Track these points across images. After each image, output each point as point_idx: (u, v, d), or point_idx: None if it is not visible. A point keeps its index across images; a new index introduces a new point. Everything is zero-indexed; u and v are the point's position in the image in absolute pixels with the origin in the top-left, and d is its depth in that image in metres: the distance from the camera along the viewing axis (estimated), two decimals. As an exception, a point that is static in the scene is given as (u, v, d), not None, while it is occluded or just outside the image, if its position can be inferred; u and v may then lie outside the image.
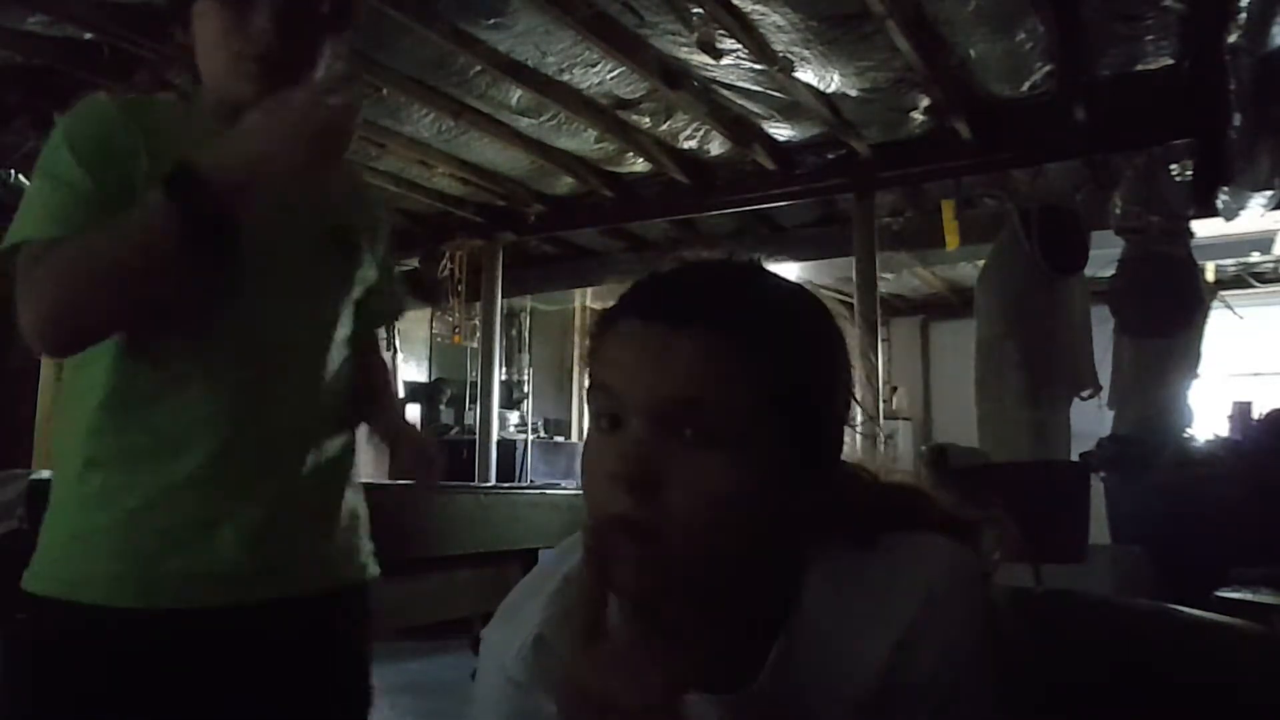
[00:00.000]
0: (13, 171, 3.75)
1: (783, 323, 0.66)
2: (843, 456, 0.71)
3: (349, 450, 1.19)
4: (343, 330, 1.16)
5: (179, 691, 1.01)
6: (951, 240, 4.44)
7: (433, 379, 6.91)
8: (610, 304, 0.69)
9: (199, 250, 0.93)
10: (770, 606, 0.67)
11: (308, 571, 1.11)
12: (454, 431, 6.31)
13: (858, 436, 0.72)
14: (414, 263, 5.62)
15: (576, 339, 7.24)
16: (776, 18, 3.10)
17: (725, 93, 3.73)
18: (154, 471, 1.03)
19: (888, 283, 6.43)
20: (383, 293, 1.26)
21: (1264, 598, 2.11)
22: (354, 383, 1.21)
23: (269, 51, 1.04)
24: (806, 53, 3.32)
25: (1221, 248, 5.06)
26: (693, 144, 4.25)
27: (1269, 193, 3.45)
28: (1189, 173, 4.02)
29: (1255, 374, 6.15)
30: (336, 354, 1.15)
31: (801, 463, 0.65)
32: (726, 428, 0.61)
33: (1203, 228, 3.94)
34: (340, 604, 1.15)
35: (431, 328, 6.69)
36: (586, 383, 0.69)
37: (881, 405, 6.63)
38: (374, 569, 1.21)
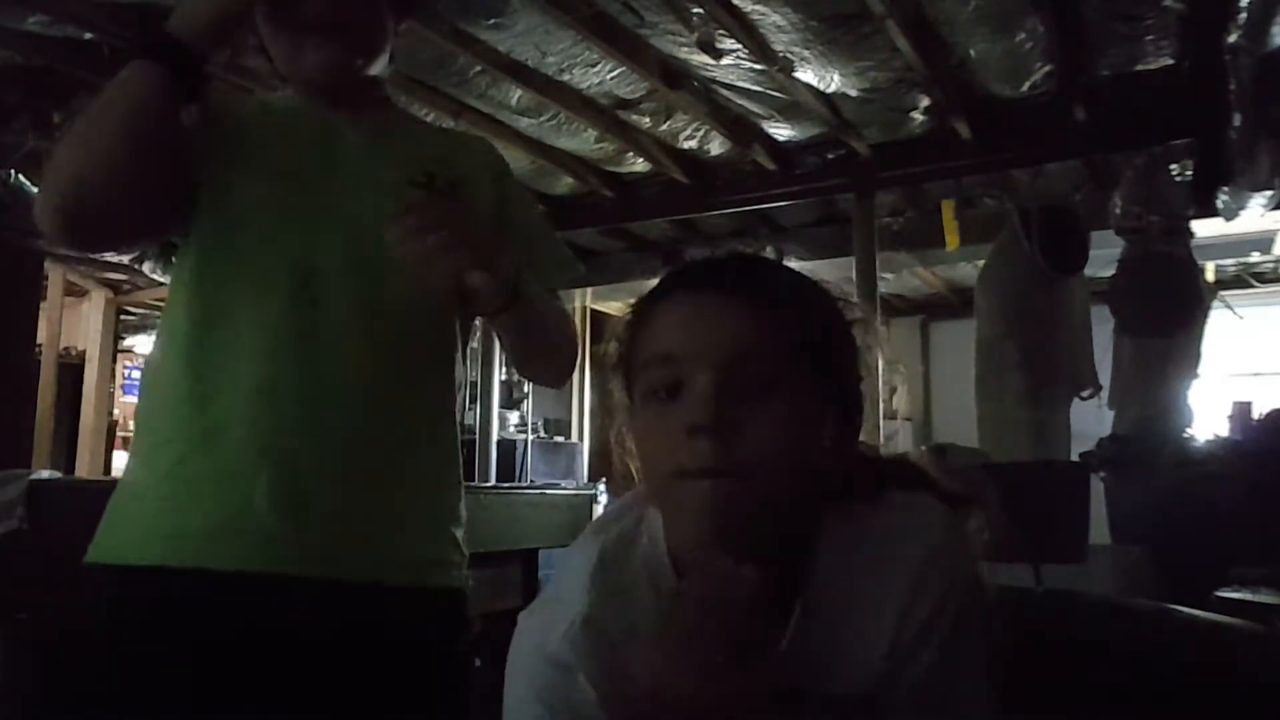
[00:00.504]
0: (13, 171, 3.75)
1: (806, 293, 0.76)
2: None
3: (440, 440, 1.10)
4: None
5: (201, 660, 0.94)
6: (951, 240, 4.43)
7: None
8: (640, 296, 0.77)
9: (174, 96, 0.96)
10: (793, 562, 0.72)
11: (366, 555, 1.01)
12: (454, 431, 6.30)
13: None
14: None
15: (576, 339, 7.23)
16: (776, 18, 3.09)
17: (725, 93, 3.72)
18: (194, 419, 0.98)
19: (888, 283, 6.43)
20: (525, 257, 1.13)
21: (1264, 598, 2.11)
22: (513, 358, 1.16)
23: (322, 21, 1.05)
24: (806, 53, 3.32)
25: (1221, 248, 5.05)
26: (693, 144, 4.25)
27: (1269, 193, 3.45)
28: (1189, 173, 4.01)
29: (1255, 374, 6.14)
30: (420, 315, 1.07)
31: (836, 416, 0.73)
32: (781, 376, 0.69)
33: (1203, 228, 3.93)
34: (408, 605, 1.03)
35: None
36: (631, 363, 0.75)
37: (882, 404, 6.63)
38: (457, 579, 1.10)
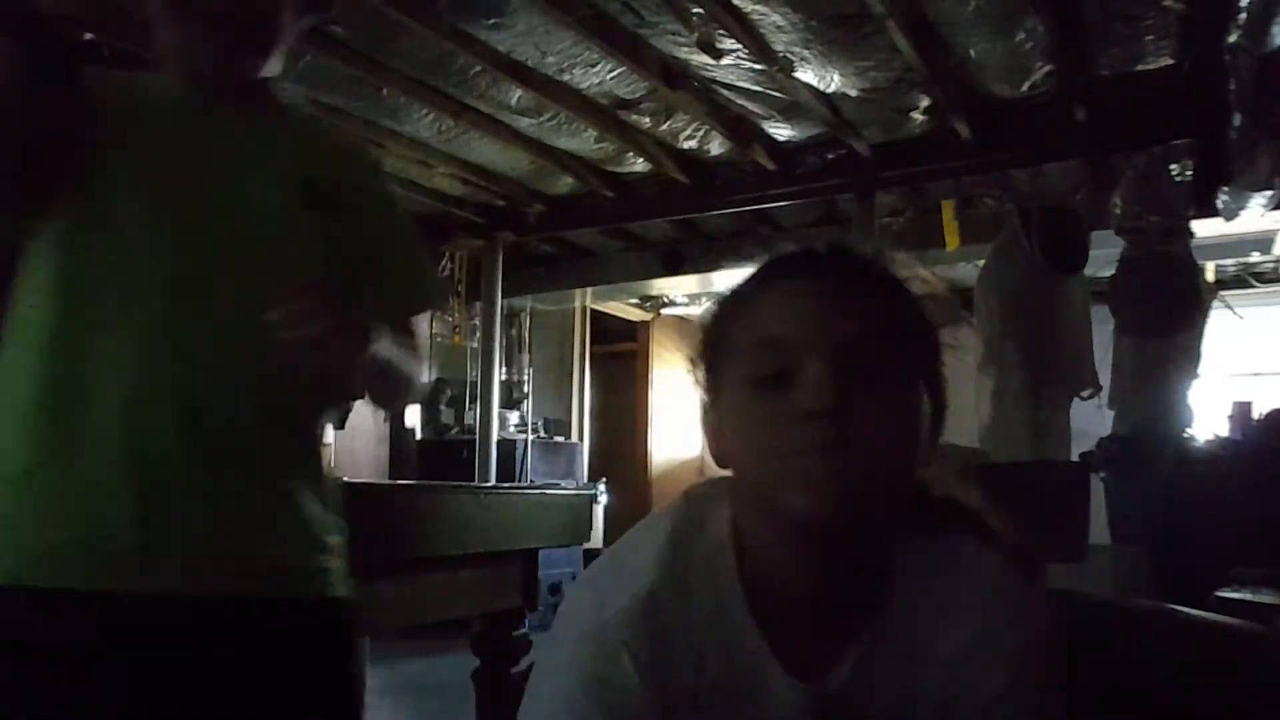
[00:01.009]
0: (13, 171, 3.74)
1: (901, 289, 0.78)
2: None
3: (305, 446, 1.06)
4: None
5: (60, 686, 0.89)
6: (951, 240, 4.43)
7: (433, 379, 6.90)
8: (739, 281, 0.77)
9: (27, 76, 0.89)
10: (866, 584, 0.72)
11: (235, 569, 0.95)
12: (454, 431, 6.30)
13: None
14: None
15: (576, 339, 7.23)
16: (776, 18, 3.09)
17: (725, 93, 3.73)
18: (49, 426, 0.92)
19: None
20: (398, 275, 1.13)
21: (1264, 598, 2.11)
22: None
23: (214, 12, 1.00)
24: (806, 53, 3.32)
25: (1221, 248, 5.03)
26: (693, 144, 4.25)
27: (1269, 193, 3.44)
28: (1189, 173, 4.01)
29: (1255, 374, 6.14)
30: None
31: (930, 413, 0.73)
32: (887, 366, 0.70)
33: (1203, 228, 3.93)
34: (283, 617, 0.98)
35: (431, 328, 6.68)
36: (720, 351, 0.75)
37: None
38: (336, 588, 1.03)
